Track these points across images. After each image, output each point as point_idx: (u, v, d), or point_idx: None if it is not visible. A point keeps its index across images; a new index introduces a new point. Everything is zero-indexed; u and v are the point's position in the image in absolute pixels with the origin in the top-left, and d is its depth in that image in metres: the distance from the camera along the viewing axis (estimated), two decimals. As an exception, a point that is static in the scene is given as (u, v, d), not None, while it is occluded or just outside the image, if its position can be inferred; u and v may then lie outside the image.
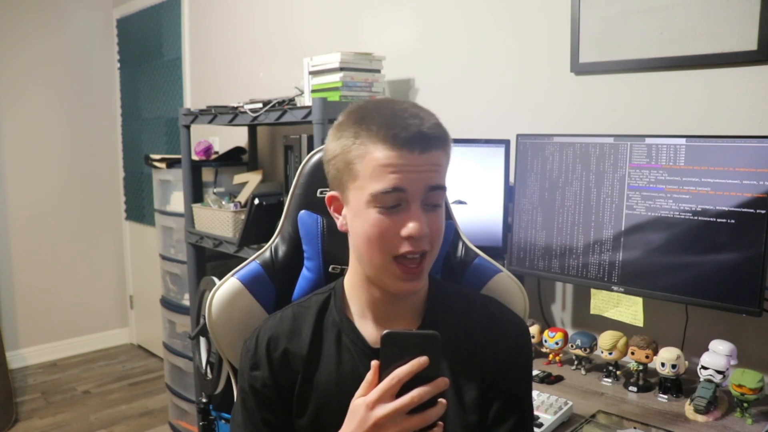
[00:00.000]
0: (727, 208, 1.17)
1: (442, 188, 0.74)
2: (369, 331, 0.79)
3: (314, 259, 0.93)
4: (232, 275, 0.93)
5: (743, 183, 1.15)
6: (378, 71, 1.89)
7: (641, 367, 1.29)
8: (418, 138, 0.70)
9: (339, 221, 0.79)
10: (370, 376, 0.67)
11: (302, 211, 0.94)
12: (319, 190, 0.94)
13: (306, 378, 0.79)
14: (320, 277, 0.92)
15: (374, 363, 0.67)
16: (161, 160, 2.62)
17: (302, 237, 0.93)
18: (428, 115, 0.74)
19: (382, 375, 0.66)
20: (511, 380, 0.78)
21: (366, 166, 0.72)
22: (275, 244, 0.97)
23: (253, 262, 0.95)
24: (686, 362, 1.24)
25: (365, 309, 0.80)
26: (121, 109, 3.80)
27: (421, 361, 0.64)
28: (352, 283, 0.81)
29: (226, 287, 0.91)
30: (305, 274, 0.93)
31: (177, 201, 2.61)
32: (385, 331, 0.66)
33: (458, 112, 1.84)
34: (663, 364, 1.23)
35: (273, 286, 0.93)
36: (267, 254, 0.96)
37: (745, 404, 1.13)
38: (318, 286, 0.90)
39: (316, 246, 0.92)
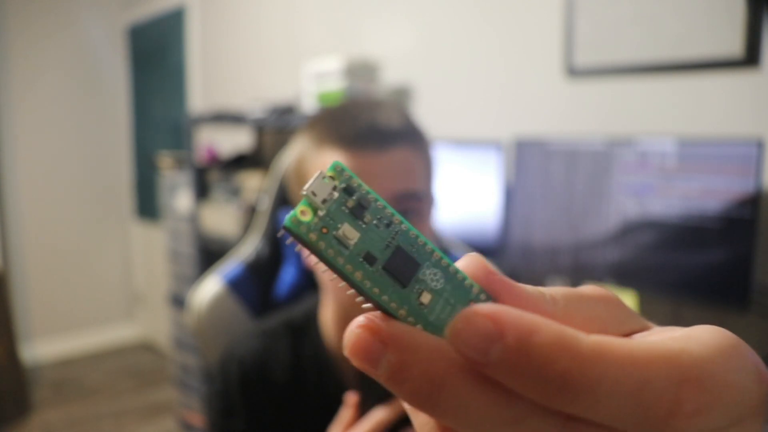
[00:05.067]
0: (716, 209, 1.20)
1: (416, 196, 0.58)
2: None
3: (294, 258, 0.89)
4: (216, 276, 0.89)
5: (731, 184, 1.19)
6: (378, 76, 1.93)
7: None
8: (368, 133, 0.58)
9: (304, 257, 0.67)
10: (346, 416, 0.53)
11: (283, 210, 0.90)
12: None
13: (288, 419, 0.70)
14: (302, 278, 0.90)
15: (350, 399, 0.54)
16: (168, 161, 2.67)
17: (282, 236, 0.89)
18: (390, 109, 0.62)
19: (363, 409, 0.53)
20: None
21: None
22: (258, 242, 0.94)
23: (236, 261, 0.92)
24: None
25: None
26: (130, 111, 3.89)
27: None
28: (332, 319, 0.69)
29: (210, 289, 0.87)
30: (286, 274, 0.91)
31: (184, 200, 2.66)
32: None
33: (455, 115, 1.88)
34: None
35: (256, 286, 0.90)
36: (250, 252, 0.93)
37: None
38: (299, 287, 0.88)
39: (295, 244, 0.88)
